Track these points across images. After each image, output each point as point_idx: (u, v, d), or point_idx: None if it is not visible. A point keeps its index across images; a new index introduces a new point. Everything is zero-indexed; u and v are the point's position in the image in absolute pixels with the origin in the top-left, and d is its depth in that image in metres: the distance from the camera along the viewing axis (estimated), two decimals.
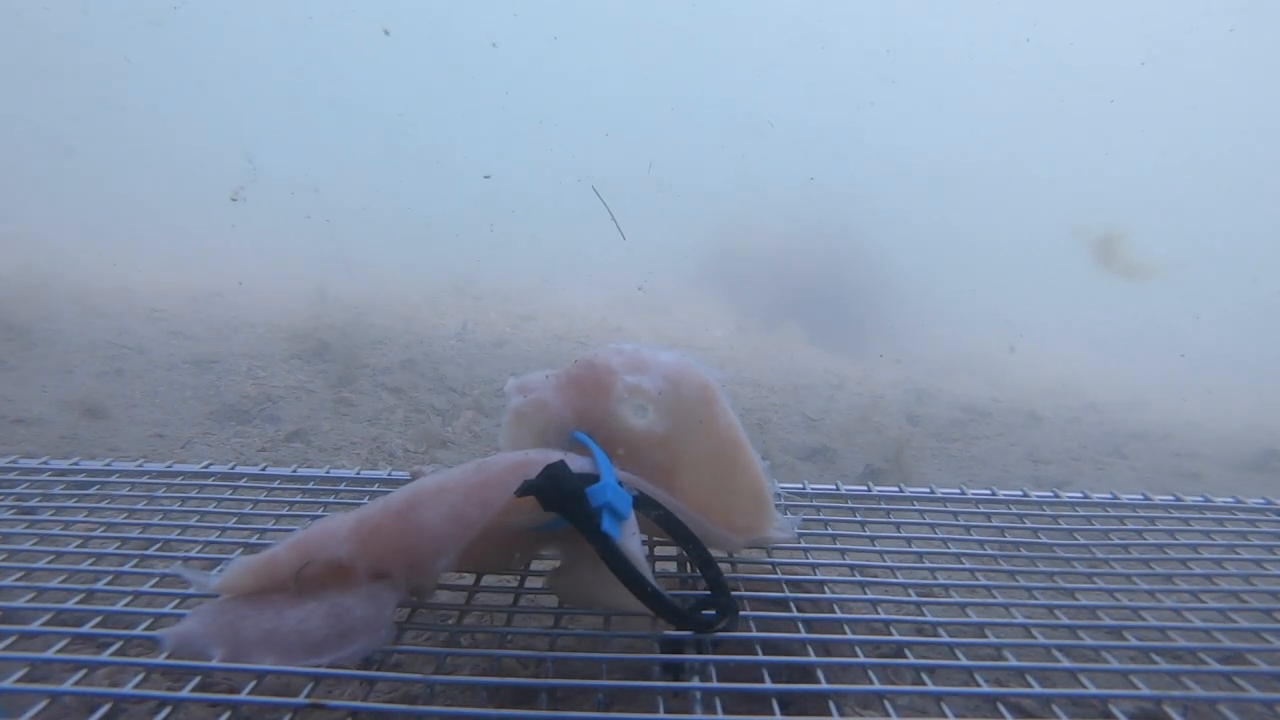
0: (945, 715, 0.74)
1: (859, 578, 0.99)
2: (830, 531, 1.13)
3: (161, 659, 0.76)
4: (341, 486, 1.24)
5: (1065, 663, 0.82)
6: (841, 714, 0.75)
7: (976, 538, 1.15)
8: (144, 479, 1.24)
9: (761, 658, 0.81)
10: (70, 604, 0.88)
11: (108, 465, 1.27)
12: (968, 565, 1.05)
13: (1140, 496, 1.28)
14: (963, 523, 1.19)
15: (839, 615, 0.90)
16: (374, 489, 1.23)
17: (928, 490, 1.28)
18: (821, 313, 4.75)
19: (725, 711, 0.73)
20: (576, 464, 0.84)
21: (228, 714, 0.71)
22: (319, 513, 1.13)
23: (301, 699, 0.72)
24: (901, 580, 0.98)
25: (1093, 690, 0.78)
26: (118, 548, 1.03)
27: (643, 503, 0.86)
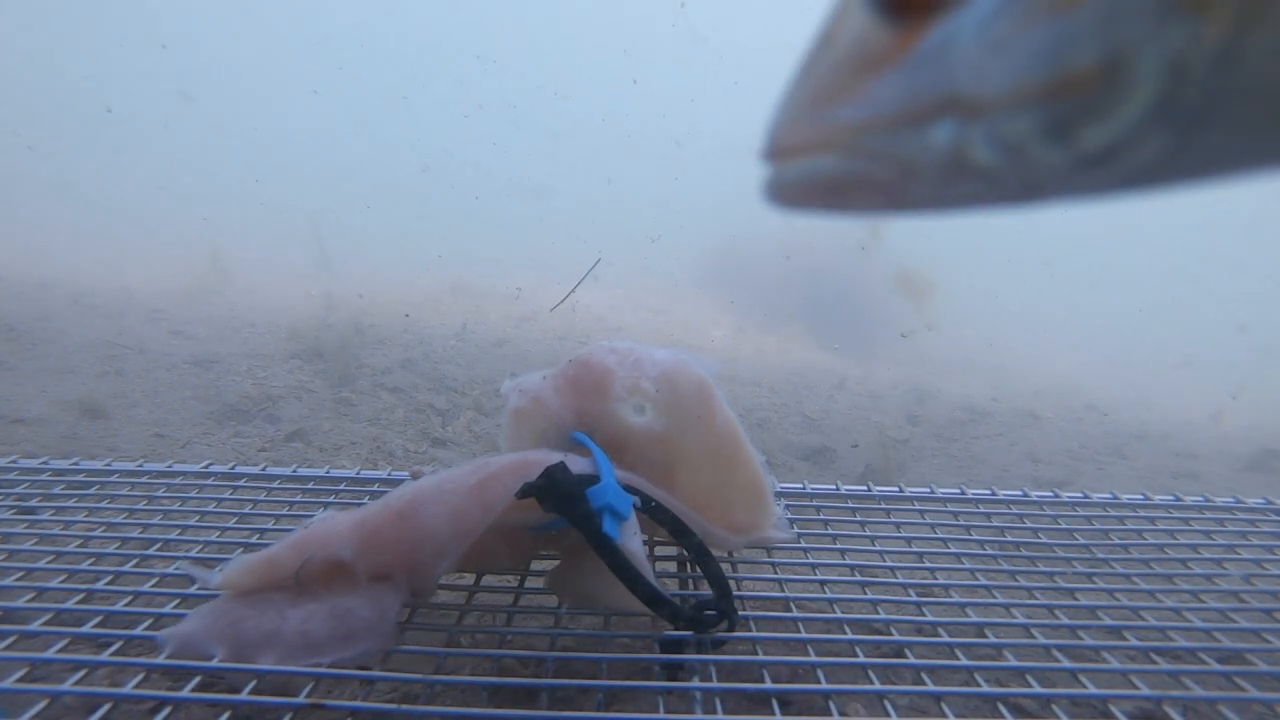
0: (945, 715, 0.74)
1: (859, 578, 0.99)
2: (830, 531, 1.13)
3: (161, 659, 0.76)
4: (341, 486, 1.24)
5: (1065, 663, 0.82)
6: (842, 714, 0.75)
7: (976, 538, 1.15)
8: (144, 479, 1.24)
9: (761, 658, 0.82)
10: (70, 604, 0.88)
11: (108, 465, 1.27)
12: (968, 565, 1.05)
13: (1140, 496, 1.28)
14: (963, 523, 1.19)
15: (839, 615, 0.90)
16: (374, 489, 1.23)
17: (928, 490, 1.28)
18: (822, 313, 4.75)
19: (725, 711, 0.73)
20: (577, 465, 0.84)
21: (228, 714, 0.71)
22: (319, 513, 1.13)
23: (301, 699, 0.72)
24: (901, 580, 0.98)
25: (1093, 690, 0.78)
26: (118, 548, 1.03)
27: (644, 504, 0.86)
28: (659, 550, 1.05)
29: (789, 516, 1.12)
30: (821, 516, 1.18)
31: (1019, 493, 1.28)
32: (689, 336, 4.39)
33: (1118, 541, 1.14)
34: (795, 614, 0.90)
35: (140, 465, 1.28)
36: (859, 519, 1.18)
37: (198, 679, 0.76)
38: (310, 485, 1.24)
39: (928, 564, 1.04)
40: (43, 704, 0.72)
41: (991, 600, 0.95)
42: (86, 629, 0.83)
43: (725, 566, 0.99)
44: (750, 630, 0.87)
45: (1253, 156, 0.30)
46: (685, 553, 0.94)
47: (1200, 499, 1.28)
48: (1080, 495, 1.28)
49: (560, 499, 0.79)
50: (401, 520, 0.80)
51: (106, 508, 1.15)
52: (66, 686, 0.74)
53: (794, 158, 0.36)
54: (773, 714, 0.73)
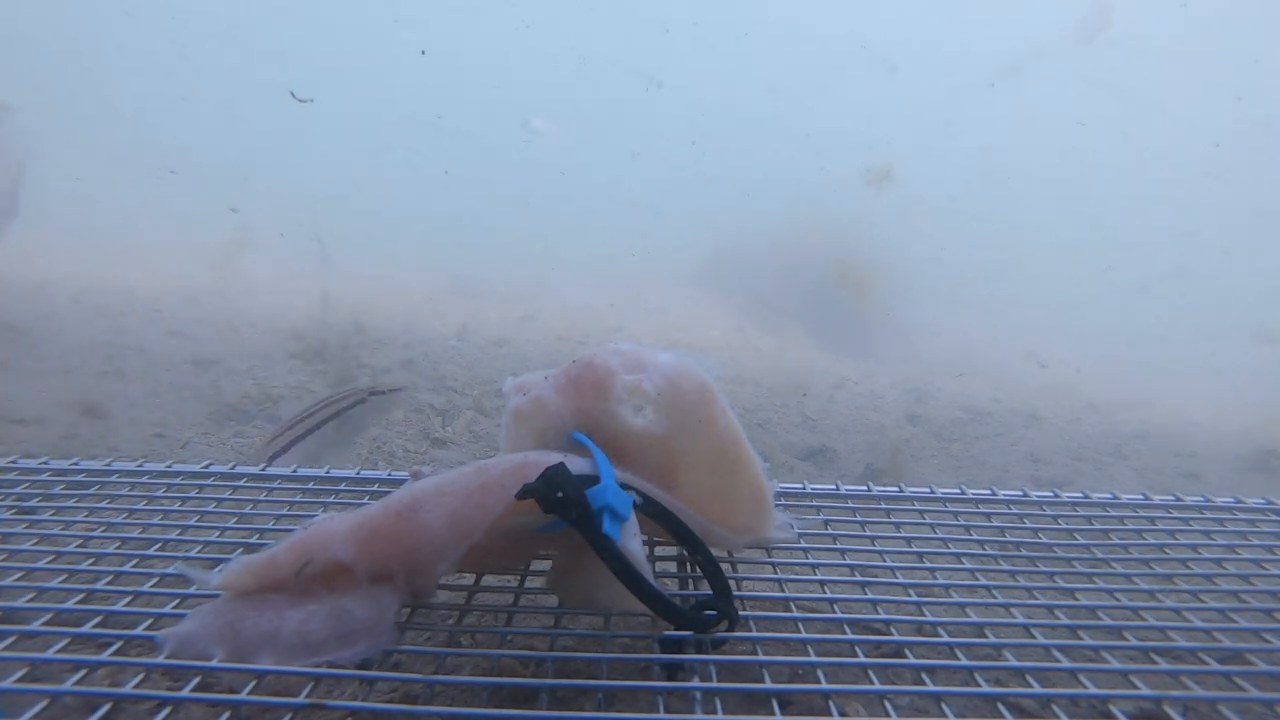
0: (945, 715, 0.74)
1: (859, 578, 0.99)
2: (830, 531, 1.13)
3: (161, 659, 0.76)
4: (341, 486, 1.24)
5: (1065, 663, 0.82)
6: (842, 714, 0.75)
7: (976, 538, 1.14)
8: (144, 479, 1.24)
9: (761, 658, 0.82)
10: (70, 604, 0.88)
11: (108, 465, 1.27)
12: (968, 565, 1.05)
13: (1140, 496, 1.28)
14: (963, 523, 1.19)
15: (839, 615, 0.90)
16: (374, 489, 1.23)
17: (928, 490, 1.27)
18: (822, 313, 4.74)
19: (725, 711, 0.73)
20: (576, 465, 0.84)
21: (228, 714, 0.71)
22: (319, 513, 1.13)
23: (301, 699, 0.72)
24: (901, 580, 0.98)
25: (1093, 690, 0.78)
26: (118, 548, 1.03)
27: (644, 504, 0.86)
28: (659, 550, 1.05)
29: (788, 516, 1.12)
30: (821, 516, 1.18)
31: (1019, 493, 1.28)
32: (688, 336, 4.39)
33: (1118, 541, 1.14)
34: (795, 614, 0.90)
35: (140, 465, 1.28)
36: (859, 519, 1.18)
37: (197, 679, 0.76)
38: (310, 485, 1.24)
39: (928, 564, 1.04)
40: (43, 704, 0.71)
41: (991, 600, 0.95)
42: (86, 629, 0.83)
43: (725, 566, 0.99)
44: (750, 630, 0.87)
45: None
46: (685, 553, 0.94)
47: (1200, 499, 1.28)
48: (1080, 495, 1.28)
49: (559, 500, 0.79)
50: (401, 521, 0.80)
51: (106, 508, 1.14)
52: (66, 686, 0.74)
53: None
54: (773, 714, 0.73)
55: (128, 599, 0.90)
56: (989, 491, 1.28)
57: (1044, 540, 1.13)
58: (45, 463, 1.27)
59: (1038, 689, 0.78)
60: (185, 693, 0.73)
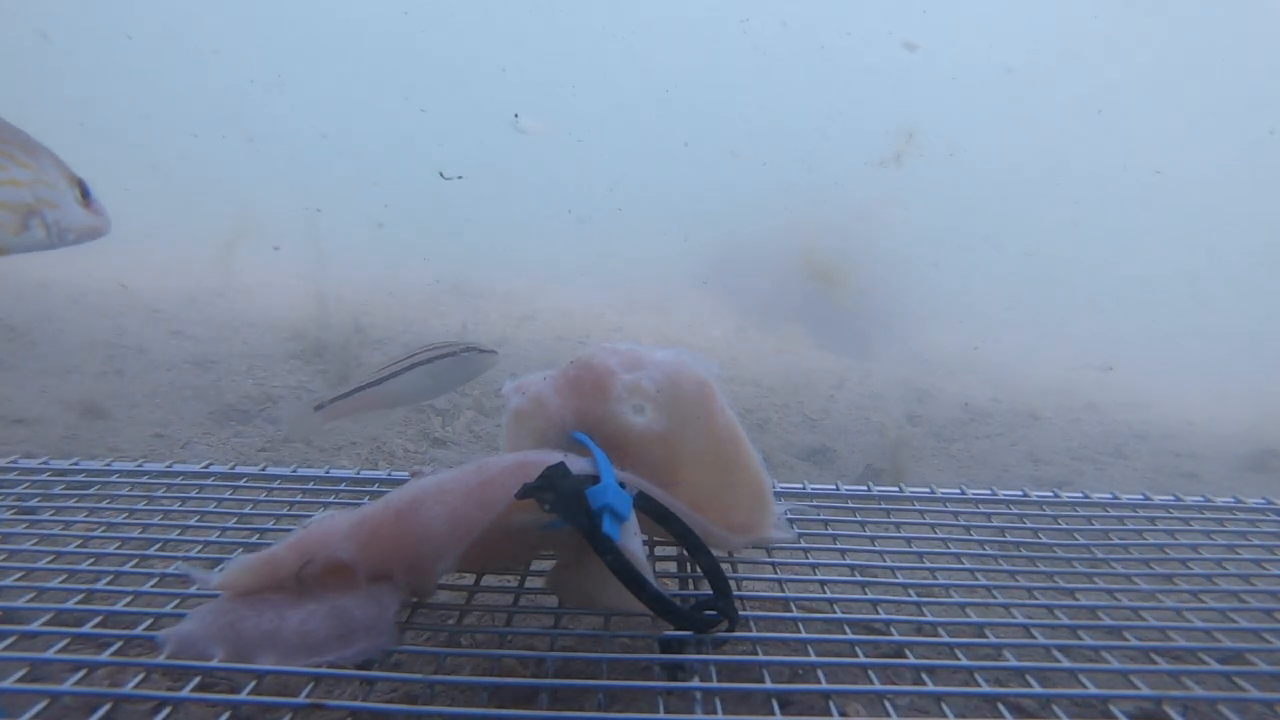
0: (945, 715, 0.74)
1: (859, 578, 0.99)
2: (830, 531, 1.13)
3: (161, 659, 0.76)
4: (341, 486, 1.24)
5: (1065, 663, 0.82)
6: (842, 714, 0.75)
7: (976, 538, 1.15)
8: (144, 479, 1.24)
9: (761, 658, 0.82)
10: (70, 604, 0.88)
11: (108, 465, 1.27)
12: (968, 565, 1.05)
13: (1140, 496, 1.28)
14: (963, 523, 1.19)
15: (839, 615, 0.90)
16: (374, 489, 1.23)
17: (928, 490, 1.28)
18: (822, 313, 4.74)
19: (725, 711, 0.73)
20: (576, 465, 0.84)
21: (228, 714, 0.71)
22: (319, 513, 1.13)
23: (301, 699, 0.72)
24: (901, 580, 0.98)
25: (1093, 690, 0.78)
26: (118, 548, 1.03)
27: (644, 503, 0.86)
28: (659, 550, 1.05)
29: (789, 516, 1.12)
30: (821, 516, 1.18)
31: (1019, 493, 1.28)
32: (689, 336, 4.39)
33: (1118, 541, 1.14)
34: (795, 614, 0.90)
35: (140, 465, 1.28)
36: (859, 519, 1.18)
37: (198, 679, 0.76)
38: (310, 485, 1.24)
39: (928, 564, 1.04)
40: (43, 704, 0.72)
41: (991, 600, 0.95)
42: (86, 629, 0.83)
43: (725, 566, 0.99)
44: (750, 630, 0.87)
45: None
46: (686, 552, 0.94)
47: (1200, 499, 1.28)
48: (1080, 495, 1.28)
49: (559, 500, 0.79)
50: (401, 520, 0.80)
51: (106, 508, 1.15)
52: (66, 686, 0.74)
53: None
54: (773, 714, 0.73)
55: (128, 599, 0.90)
56: (989, 491, 1.28)
57: (1044, 540, 1.13)
58: (45, 463, 1.27)
59: (1038, 689, 0.78)
60: (185, 693, 0.73)
